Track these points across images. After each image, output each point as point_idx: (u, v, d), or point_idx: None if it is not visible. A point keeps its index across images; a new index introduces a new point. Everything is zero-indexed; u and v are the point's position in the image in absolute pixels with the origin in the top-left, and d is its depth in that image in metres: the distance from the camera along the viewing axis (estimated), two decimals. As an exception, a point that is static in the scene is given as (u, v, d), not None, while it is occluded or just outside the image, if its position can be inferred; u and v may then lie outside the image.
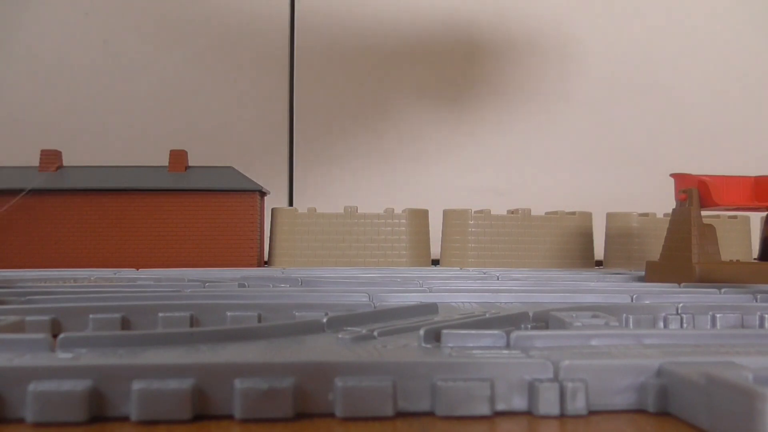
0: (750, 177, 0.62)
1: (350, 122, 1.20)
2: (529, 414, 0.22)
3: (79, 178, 0.87)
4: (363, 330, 0.30)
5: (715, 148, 1.22)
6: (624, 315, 0.38)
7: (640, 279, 0.65)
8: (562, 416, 0.22)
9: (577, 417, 0.22)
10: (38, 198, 0.84)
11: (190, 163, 0.91)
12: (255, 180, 0.90)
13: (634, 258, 0.93)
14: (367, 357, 0.25)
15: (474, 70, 1.22)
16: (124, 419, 0.21)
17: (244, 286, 0.56)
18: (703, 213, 0.62)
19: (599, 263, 0.98)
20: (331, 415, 0.22)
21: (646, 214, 0.96)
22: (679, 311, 0.39)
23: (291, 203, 1.17)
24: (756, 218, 0.92)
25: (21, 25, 1.14)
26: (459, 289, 0.49)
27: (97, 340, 0.26)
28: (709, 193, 0.60)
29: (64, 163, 0.90)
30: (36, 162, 0.88)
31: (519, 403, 0.22)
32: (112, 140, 1.12)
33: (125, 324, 0.37)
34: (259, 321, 0.38)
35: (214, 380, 0.22)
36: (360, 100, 1.20)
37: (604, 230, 0.97)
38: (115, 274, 0.70)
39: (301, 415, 0.22)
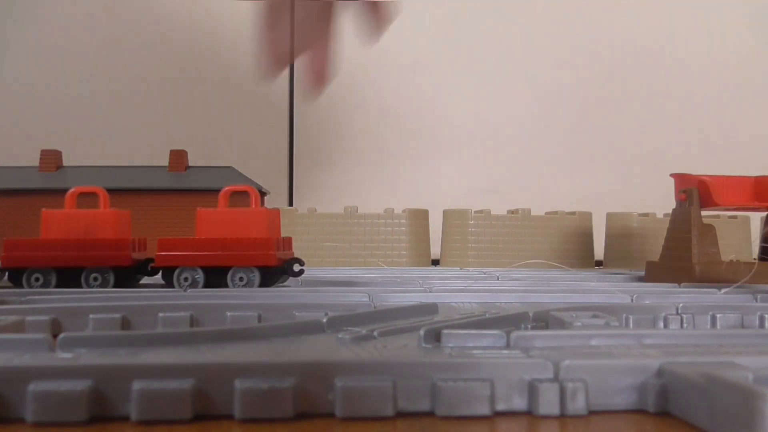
0: (750, 177, 0.62)
1: (350, 122, 1.20)
2: (529, 414, 0.22)
3: (79, 178, 0.87)
4: (363, 330, 0.30)
5: (715, 148, 1.22)
6: (624, 315, 0.38)
7: (640, 279, 0.65)
8: (562, 416, 0.22)
9: (577, 417, 0.22)
10: (38, 198, 0.84)
11: (190, 163, 0.91)
12: (255, 180, 0.90)
13: (634, 258, 0.93)
14: (367, 357, 0.25)
15: (472, 70, 1.22)
16: (124, 419, 0.21)
17: (244, 286, 0.56)
18: (703, 213, 0.62)
19: (599, 263, 0.98)
20: (331, 415, 0.22)
21: (646, 214, 0.96)
22: (679, 311, 0.39)
23: (291, 203, 1.17)
24: (756, 218, 0.92)
25: (21, 25, 1.14)
26: (459, 289, 0.49)
27: (97, 340, 0.26)
28: (709, 193, 0.60)
29: (64, 163, 0.90)
30: (36, 162, 0.88)
31: (519, 403, 0.22)
32: (112, 140, 1.12)
33: (125, 324, 0.37)
34: (259, 321, 0.38)
35: (214, 380, 0.22)
36: (360, 100, 1.20)
37: (604, 230, 0.97)
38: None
39: (301, 415, 0.22)
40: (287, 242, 0.56)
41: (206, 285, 0.51)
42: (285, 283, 0.56)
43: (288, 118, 1.18)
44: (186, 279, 0.51)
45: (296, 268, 0.53)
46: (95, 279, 0.52)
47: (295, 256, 0.55)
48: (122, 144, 1.12)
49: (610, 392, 0.23)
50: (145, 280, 0.57)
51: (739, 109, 1.26)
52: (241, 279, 0.51)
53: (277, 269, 0.52)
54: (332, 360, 0.23)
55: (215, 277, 0.51)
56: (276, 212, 0.57)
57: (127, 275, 0.53)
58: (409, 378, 0.22)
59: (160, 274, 0.53)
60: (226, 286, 0.51)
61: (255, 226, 0.52)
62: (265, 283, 0.52)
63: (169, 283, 0.52)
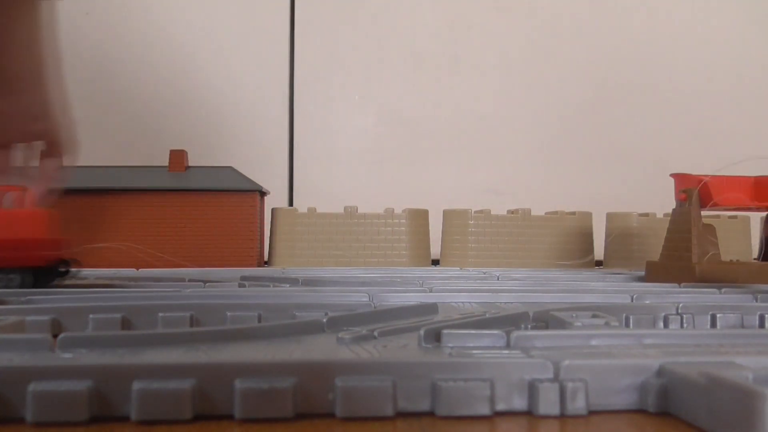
0: (750, 177, 0.62)
1: (350, 122, 1.20)
2: (529, 414, 0.22)
3: (79, 178, 0.87)
4: (363, 330, 0.30)
5: (715, 148, 1.22)
6: (624, 315, 0.38)
7: (640, 279, 0.65)
8: (562, 416, 0.22)
9: (577, 417, 0.22)
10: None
11: (190, 163, 0.91)
12: (255, 180, 0.90)
13: (634, 258, 0.93)
14: (367, 357, 0.25)
15: (473, 70, 1.22)
16: (124, 419, 0.21)
17: (244, 286, 0.56)
18: (703, 213, 0.62)
19: (599, 263, 0.98)
20: (331, 415, 0.22)
21: (646, 214, 0.96)
22: (679, 311, 0.39)
23: (291, 203, 1.17)
24: (756, 218, 0.92)
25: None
26: (459, 289, 0.49)
27: (97, 340, 0.26)
28: (709, 193, 0.60)
29: (64, 163, 0.90)
30: (35, 162, 0.88)
31: (519, 403, 0.22)
32: (112, 140, 1.12)
33: (125, 324, 0.37)
34: (259, 321, 0.38)
35: (214, 380, 0.22)
36: (360, 99, 1.20)
37: (604, 230, 0.97)
38: (114, 274, 0.70)
39: (301, 415, 0.22)
40: (62, 243, 0.54)
41: None
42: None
43: (288, 118, 1.18)
44: None
45: (62, 268, 0.52)
46: None
47: (68, 257, 0.53)
48: (122, 144, 1.12)
49: (610, 392, 0.23)
50: None
51: (739, 109, 1.26)
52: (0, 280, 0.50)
53: (45, 270, 0.51)
54: (332, 360, 0.23)
55: None
56: (51, 213, 0.54)
57: None
58: (409, 378, 0.22)
59: None
60: None
61: (23, 226, 0.51)
62: (28, 283, 0.51)
63: None
